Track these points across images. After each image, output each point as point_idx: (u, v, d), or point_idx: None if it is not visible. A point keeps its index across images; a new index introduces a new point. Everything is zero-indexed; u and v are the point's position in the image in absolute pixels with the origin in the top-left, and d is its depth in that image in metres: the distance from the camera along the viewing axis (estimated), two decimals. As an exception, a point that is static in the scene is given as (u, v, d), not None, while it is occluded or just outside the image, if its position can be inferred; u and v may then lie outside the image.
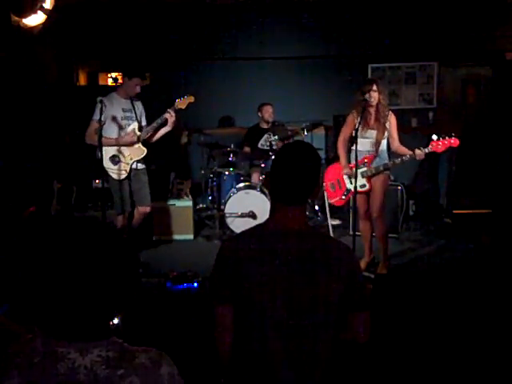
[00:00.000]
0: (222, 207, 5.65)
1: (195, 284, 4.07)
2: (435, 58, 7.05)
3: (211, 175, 6.14)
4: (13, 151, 5.17)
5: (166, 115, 4.63)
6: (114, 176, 4.65)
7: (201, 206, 6.40)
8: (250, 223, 5.19)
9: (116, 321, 1.18)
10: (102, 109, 4.19)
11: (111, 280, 1.16)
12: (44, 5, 4.84)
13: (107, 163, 4.61)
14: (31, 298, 1.15)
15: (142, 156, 4.74)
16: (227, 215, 5.55)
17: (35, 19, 4.87)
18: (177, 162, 6.73)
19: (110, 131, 4.60)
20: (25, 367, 1.08)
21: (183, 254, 5.35)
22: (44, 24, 5.00)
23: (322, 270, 1.62)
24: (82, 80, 7.22)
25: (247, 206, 5.53)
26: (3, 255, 3.58)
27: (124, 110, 4.66)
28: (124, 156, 4.67)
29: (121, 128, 4.65)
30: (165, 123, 4.70)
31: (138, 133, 4.70)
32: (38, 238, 1.17)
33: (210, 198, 6.21)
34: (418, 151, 4.13)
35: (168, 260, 5.04)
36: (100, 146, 4.25)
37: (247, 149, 6.24)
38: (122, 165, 4.66)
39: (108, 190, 4.77)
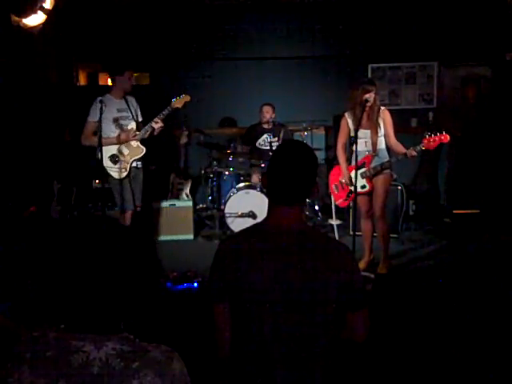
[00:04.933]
0: (222, 207, 5.65)
1: (195, 284, 4.07)
2: (435, 58, 7.05)
3: (211, 175, 6.13)
4: (13, 151, 5.17)
5: (153, 124, 4.67)
6: (115, 175, 4.68)
7: (201, 206, 6.40)
8: (250, 223, 5.16)
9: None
10: (101, 108, 4.26)
11: (125, 275, 1.17)
12: (44, 5, 4.84)
13: (107, 162, 4.64)
14: (48, 292, 1.16)
15: (142, 155, 4.79)
16: (227, 215, 5.55)
17: (35, 19, 4.88)
18: (177, 162, 6.73)
19: (108, 132, 4.62)
20: (36, 361, 1.08)
21: (183, 254, 5.35)
22: (44, 24, 5.00)
23: (320, 269, 1.62)
24: (82, 80, 7.22)
25: (247, 206, 5.53)
26: (3, 255, 3.58)
27: (119, 111, 4.70)
28: (124, 155, 4.71)
29: (119, 128, 4.68)
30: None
31: (137, 132, 4.73)
32: (58, 234, 1.18)
33: (209, 198, 6.21)
34: (409, 151, 4.15)
35: (168, 260, 5.04)
36: (100, 145, 4.29)
37: (245, 148, 6.22)
38: (122, 163, 4.70)
39: (108, 190, 4.78)
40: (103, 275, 1.15)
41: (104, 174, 4.65)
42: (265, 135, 6.19)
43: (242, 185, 5.71)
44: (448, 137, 4.08)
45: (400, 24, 6.86)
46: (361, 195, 4.41)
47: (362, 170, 4.37)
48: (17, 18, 4.81)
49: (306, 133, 6.23)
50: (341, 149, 4.53)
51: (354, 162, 4.25)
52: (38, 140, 5.73)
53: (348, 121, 4.42)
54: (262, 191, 5.52)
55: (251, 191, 5.60)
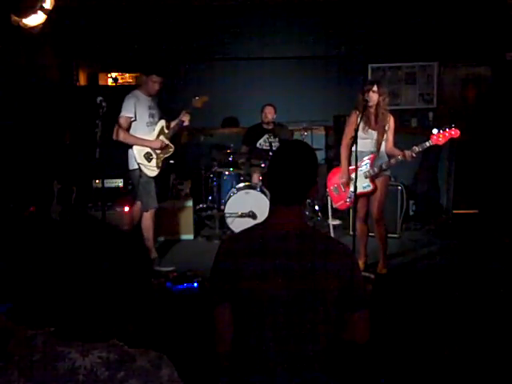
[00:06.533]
0: (222, 207, 5.65)
1: (195, 284, 4.07)
2: (435, 58, 7.04)
3: (211, 175, 6.13)
4: (13, 151, 5.17)
5: (183, 117, 4.77)
6: (148, 172, 4.73)
7: (201, 206, 6.39)
8: (250, 223, 5.13)
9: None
10: (135, 104, 4.49)
11: (118, 283, 1.17)
12: (44, 5, 4.83)
13: (142, 159, 4.69)
14: (35, 297, 1.15)
15: (171, 153, 4.92)
16: (227, 215, 5.55)
17: (35, 19, 4.86)
18: (177, 162, 6.73)
19: (140, 129, 4.68)
20: (24, 365, 1.08)
21: (183, 253, 5.35)
22: (44, 24, 4.99)
23: (321, 269, 1.62)
24: (82, 80, 7.21)
25: (247, 205, 5.53)
26: (3, 255, 3.58)
27: (149, 108, 4.74)
28: (156, 154, 4.77)
29: (148, 125, 4.73)
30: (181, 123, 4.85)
31: (167, 131, 4.82)
32: (46, 238, 1.17)
33: (210, 197, 6.21)
34: (407, 152, 4.10)
35: (168, 260, 5.04)
36: (98, 144, 4.31)
37: (245, 148, 6.23)
38: (155, 162, 4.76)
39: (109, 190, 4.80)
40: (101, 275, 1.15)
41: (132, 173, 4.71)
42: (265, 136, 6.19)
43: (242, 185, 5.71)
44: (458, 132, 4.02)
45: (400, 24, 6.85)
46: (360, 198, 4.35)
47: (365, 169, 4.33)
48: (17, 18, 4.80)
49: (306, 133, 6.22)
50: (345, 146, 4.41)
51: (354, 163, 4.19)
52: (38, 140, 5.73)
53: (358, 117, 4.22)
54: (262, 191, 5.52)
55: (251, 191, 5.59)
